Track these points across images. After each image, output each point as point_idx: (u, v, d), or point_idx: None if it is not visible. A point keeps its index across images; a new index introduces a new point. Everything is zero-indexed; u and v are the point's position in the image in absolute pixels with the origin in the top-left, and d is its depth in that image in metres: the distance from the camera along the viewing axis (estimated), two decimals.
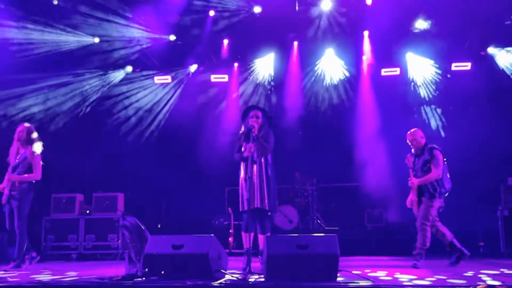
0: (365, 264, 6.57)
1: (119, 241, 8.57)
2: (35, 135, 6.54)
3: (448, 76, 9.95)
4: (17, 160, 6.40)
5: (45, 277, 5.33)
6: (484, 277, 4.86)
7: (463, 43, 9.57)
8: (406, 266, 6.09)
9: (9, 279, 5.04)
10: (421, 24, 9.25)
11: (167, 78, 10.46)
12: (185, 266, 4.64)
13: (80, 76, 10.04)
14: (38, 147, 6.50)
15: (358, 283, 4.45)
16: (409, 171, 6.48)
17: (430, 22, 9.14)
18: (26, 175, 6.33)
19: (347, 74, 10.28)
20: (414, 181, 6.29)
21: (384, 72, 10.19)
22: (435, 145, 6.36)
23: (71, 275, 5.52)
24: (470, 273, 5.24)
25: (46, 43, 9.26)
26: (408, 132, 6.51)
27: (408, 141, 6.48)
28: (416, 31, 9.37)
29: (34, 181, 6.43)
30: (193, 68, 10.44)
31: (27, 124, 6.61)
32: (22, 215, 6.30)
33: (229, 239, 8.35)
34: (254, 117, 5.77)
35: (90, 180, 9.59)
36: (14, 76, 9.13)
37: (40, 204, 8.99)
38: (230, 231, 8.44)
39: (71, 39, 9.43)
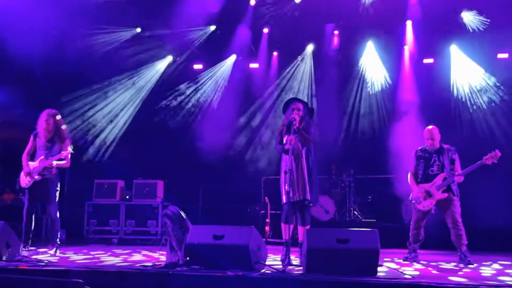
0: (402, 257, 6.53)
1: (158, 228, 8.77)
2: (65, 127, 6.54)
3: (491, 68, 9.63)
4: (46, 149, 6.37)
5: (89, 261, 5.52)
6: None
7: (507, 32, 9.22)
8: (442, 261, 6.07)
9: (53, 261, 5.25)
10: (467, 15, 9.01)
11: (207, 67, 10.56)
12: (225, 257, 4.70)
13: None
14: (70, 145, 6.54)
15: (398, 279, 4.43)
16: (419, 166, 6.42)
17: (476, 12, 8.88)
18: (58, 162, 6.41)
19: (388, 65, 10.10)
20: (460, 176, 6.15)
21: (426, 62, 9.98)
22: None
23: (115, 260, 5.70)
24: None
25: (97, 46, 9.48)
26: (430, 128, 6.37)
27: (428, 138, 6.34)
28: (461, 21, 9.11)
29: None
30: (232, 57, 10.46)
31: (54, 114, 6.46)
32: (56, 198, 6.50)
33: (266, 228, 8.43)
34: (295, 109, 5.74)
35: (131, 167, 9.79)
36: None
37: (83, 189, 9.30)
38: (267, 220, 8.51)
39: (115, 38, 9.60)
